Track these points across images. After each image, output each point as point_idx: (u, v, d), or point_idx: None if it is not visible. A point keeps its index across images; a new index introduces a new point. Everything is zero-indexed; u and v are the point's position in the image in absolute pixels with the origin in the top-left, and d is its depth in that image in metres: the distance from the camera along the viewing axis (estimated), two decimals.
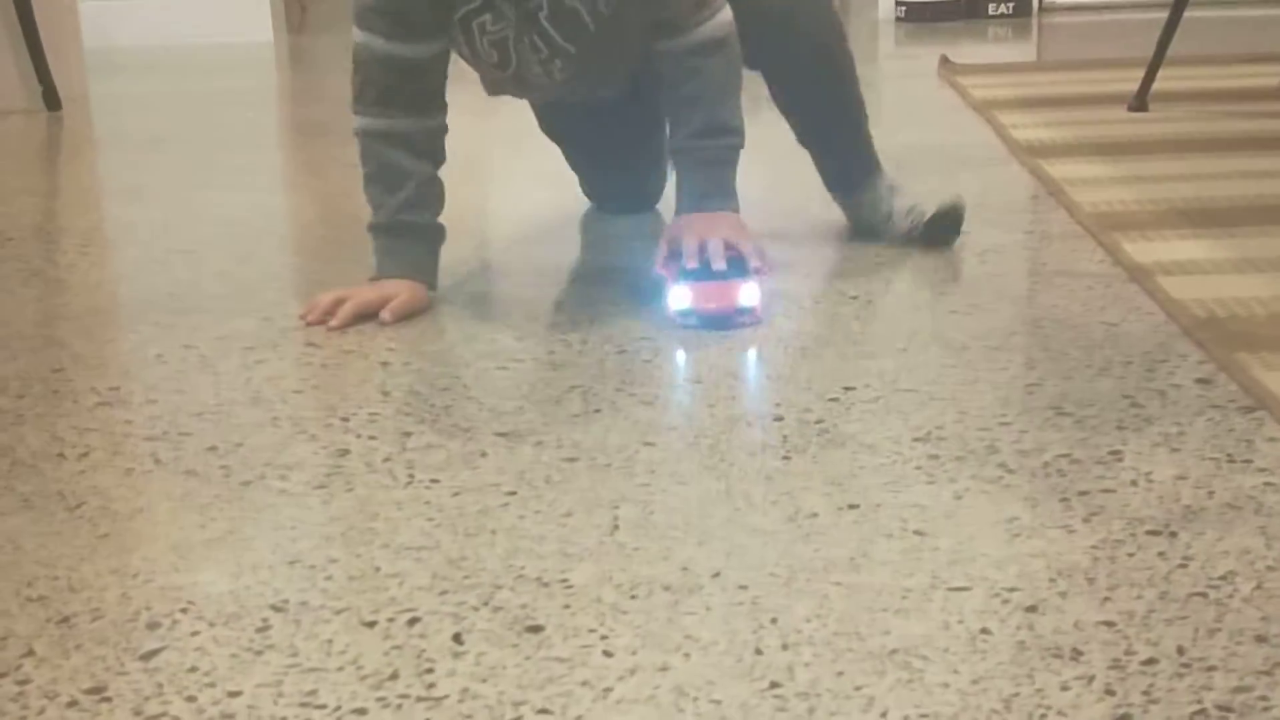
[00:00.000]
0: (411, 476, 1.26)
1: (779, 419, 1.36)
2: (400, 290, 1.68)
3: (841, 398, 1.41)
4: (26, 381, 1.54)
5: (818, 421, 1.35)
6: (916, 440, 1.30)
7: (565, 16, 1.69)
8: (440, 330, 1.67)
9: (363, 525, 1.17)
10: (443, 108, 1.73)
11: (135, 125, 3.16)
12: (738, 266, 1.64)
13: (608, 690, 0.92)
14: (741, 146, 1.73)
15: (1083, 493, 1.18)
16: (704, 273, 1.63)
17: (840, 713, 0.89)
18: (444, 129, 1.73)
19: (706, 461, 1.27)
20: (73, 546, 1.15)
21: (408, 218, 1.70)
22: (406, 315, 1.67)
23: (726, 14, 1.72)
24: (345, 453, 1.32)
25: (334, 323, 1.64)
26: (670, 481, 1.23)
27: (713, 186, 1.71)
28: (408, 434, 1.35)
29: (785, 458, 1.27)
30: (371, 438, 1.35)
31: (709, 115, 1.71)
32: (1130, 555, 1.08)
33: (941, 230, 1.89)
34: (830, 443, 1.30)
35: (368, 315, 1.66)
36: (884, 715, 0.88)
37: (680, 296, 1.61)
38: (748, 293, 1.60)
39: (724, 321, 1.59)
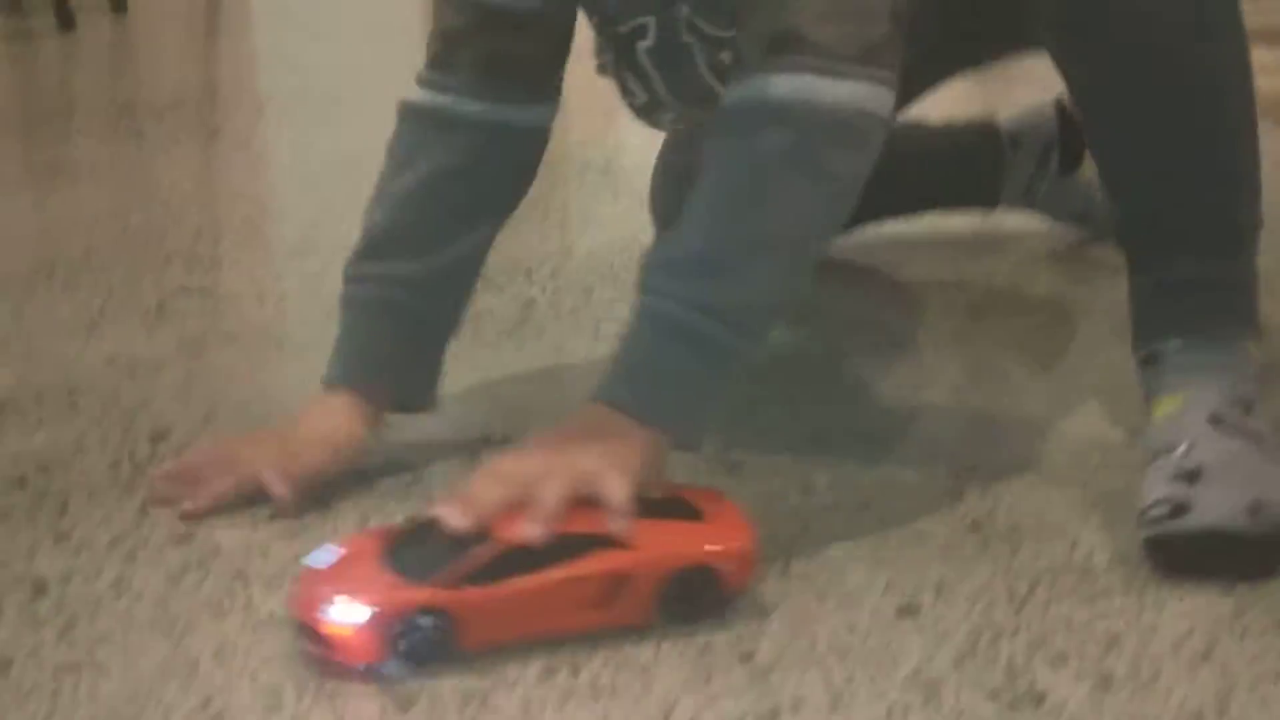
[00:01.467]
0: None
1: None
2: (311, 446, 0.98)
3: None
4: (220, 230, 1.59)
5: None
6: None
7: (672, 55, 1.06)
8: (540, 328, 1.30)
9: None
10: None
11: None
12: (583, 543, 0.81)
13: None
14: (752, 337, 0.90)
15: None
16: (425, 546, 0.81)
17: None
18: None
19: None
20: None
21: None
22: (308, 487, 0.96)
23: (862, 88, 0.89)
24: None
25: (188, 507, 0.96)
26: None
27: (653, 371, 0.89)
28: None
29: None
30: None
31: (714, 237, 0.90)
32: None
33: None
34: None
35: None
36: None
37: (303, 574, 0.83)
38: (341, 611, 0.79)
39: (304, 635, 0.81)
